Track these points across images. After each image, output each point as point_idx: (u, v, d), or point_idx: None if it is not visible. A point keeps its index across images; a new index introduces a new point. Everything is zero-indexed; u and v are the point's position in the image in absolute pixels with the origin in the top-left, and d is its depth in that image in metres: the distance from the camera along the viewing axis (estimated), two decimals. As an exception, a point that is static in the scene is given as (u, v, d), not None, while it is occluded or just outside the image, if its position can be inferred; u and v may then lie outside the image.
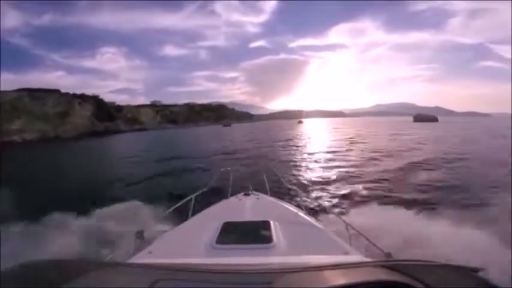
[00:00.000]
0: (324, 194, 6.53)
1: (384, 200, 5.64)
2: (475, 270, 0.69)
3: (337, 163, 10.83)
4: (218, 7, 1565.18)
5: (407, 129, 33.65)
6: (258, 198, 2.43)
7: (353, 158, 11.98)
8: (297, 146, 18.69)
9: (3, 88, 62.36)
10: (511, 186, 5.63)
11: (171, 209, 2.22)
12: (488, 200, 4.94)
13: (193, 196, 2.41)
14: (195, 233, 1.65)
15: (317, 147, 17.54)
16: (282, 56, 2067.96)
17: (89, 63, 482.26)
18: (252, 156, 13.92)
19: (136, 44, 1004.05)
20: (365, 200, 5.68)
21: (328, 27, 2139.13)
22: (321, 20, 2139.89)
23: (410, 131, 29.80)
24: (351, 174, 8.55)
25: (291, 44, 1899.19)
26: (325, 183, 7.56)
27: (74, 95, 72.70)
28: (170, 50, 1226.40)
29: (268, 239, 1.41)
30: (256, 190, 2.68)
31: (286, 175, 8.07)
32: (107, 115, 75.07)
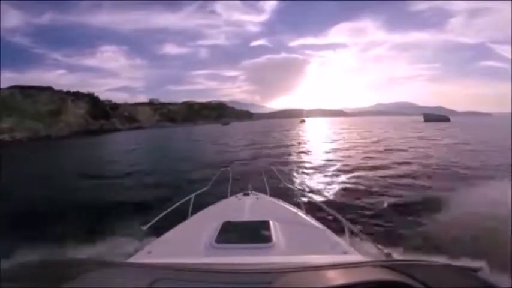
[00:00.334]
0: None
1: None
2: (475, 270, 0.69)
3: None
4: (218, 7, 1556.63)
5: (427, 130, 30.00)
6: (257, 198, 2.46)
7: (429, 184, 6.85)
8: (318, 165, 10.34)
9: (3, 87, 61.07)
10: None
11: (170, 209, 2.12)
12: None
13: (192, 196, 2.39)
14: (195, 232, 1.67)
15: (350, 161, 10.85)
16: (283, 55, 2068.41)
17: (89, 61, 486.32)
18: (251, 170, 8.26)
19: (136, 43, 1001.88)
20: None
21: (329, 26, 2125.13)
22: (321, 20, 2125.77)
23: (433, 132, 26.44)
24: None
25: (291, 43, 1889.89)
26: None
27: (68, 93, 69.97)
28: (170, 49, 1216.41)
29: (267, 239, 1.42)
30: (256, 190, 2.72)
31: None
32: (102, 113, 72.71)
